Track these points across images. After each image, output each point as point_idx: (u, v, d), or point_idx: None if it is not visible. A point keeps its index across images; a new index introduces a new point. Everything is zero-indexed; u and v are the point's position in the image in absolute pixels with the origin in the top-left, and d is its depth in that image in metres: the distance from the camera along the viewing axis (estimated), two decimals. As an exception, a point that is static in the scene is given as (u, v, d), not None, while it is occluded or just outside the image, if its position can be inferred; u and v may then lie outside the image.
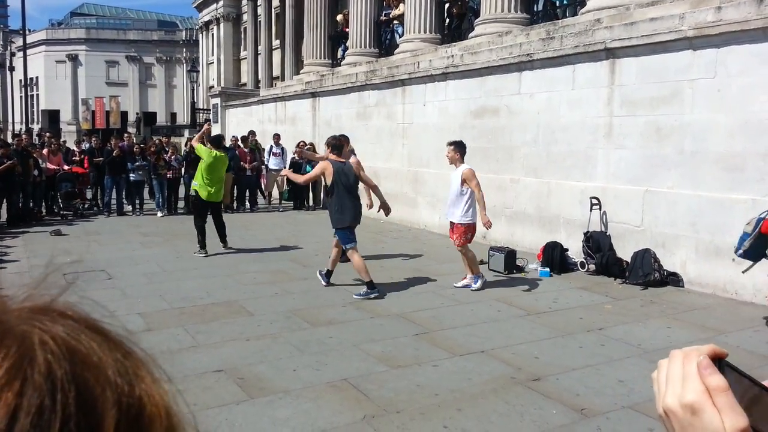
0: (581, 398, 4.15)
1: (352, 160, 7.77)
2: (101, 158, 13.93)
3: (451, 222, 7.13)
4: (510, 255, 8.16)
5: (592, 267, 7.99)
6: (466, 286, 7.15)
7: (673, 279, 7.35)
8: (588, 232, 8.18)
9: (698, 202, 7.18)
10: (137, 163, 13.82)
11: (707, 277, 7.09)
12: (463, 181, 6.87)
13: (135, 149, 14.38)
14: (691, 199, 7.26)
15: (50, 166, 13.52)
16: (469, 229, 7.05)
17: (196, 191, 9.30)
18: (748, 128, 6.69)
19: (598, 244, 8.04)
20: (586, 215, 8.30)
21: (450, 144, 7.18)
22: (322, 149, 15.52)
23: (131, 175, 13.85)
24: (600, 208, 8.28)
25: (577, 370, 4.68)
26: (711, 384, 0.57)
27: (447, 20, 13.90)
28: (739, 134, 6.78)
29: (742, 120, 6.74)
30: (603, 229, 8.25)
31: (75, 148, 15.87)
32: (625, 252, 7.84)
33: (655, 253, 7.44)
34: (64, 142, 20.04)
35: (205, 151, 9.18)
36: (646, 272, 7.33)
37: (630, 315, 6.18)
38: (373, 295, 6.67)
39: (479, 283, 7.05)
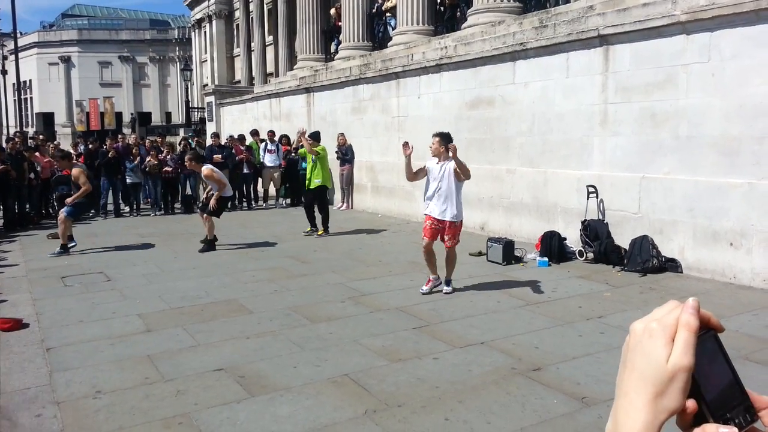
0: (582, 387, 4.15)
1: None
2: (97, 160, 13.90)
3: (437, 220, 6.40)
4: (508, 245, 8.15)
5: (591, 255, 7.99)
6: (436, 289, 6.64)
7: (671, 265, 7.35)
8: (585, 220, 8.18)
9: (695, 187, 7.17)
10: (134, 164, 13.79)
11: (705, 262, 7.10)
12: (456, 172, 6.32)
13: (148, 144, 14.62)
14: (687, 184, 7.26)
15: (44, 162, 13.47)
16: (461, 227, 6.63)
17: (323, 185, 10.38)
18: (743, 112, 6.68)
19: (595, 232, 8.04)
20: (583, 204, 8.30)
21: (435, 135, 6.56)
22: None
23: (127, 176, 13.83)
24: (597, 196, 8.27)
25: (578, 358, 4.68)
26: (683, 319, 0.56)
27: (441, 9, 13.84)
28: (734, 118, 6.77)
29: (737, 103, 6.73)
30: (600, 217, 8.25)
31: (72, 151, 15.79)
32: (623, 239, 7.84)
33: (653, 240, 7.45)
34: (58, 143, 19.94)
35: (321, 148, 10.43)
36: (645, 259, 7.33)
37: (629, 302, 6.18)
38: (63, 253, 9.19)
39: (451, 287, 6.63)
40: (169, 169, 13.96)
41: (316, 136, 10.82)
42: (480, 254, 8.52)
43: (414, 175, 6.59)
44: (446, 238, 6.46)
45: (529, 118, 9.42)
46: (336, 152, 13.84)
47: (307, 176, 10.50)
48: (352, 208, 13.95)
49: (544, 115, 9.12)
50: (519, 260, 8.17)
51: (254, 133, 16.27)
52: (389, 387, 4.20)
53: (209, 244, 9.41)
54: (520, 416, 3.75)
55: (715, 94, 6.93)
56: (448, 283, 6.64)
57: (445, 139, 6.47)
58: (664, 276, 7.18)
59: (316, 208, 10.59)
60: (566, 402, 3.93)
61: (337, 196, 14.44)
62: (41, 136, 17.46)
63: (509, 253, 8.13)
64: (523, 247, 8.41)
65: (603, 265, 7.76)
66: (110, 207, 13.85)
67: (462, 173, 6.31)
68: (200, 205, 10.14)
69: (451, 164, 6.31)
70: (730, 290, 6.57)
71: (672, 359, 0.55)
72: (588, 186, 8.25)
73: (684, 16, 7.08)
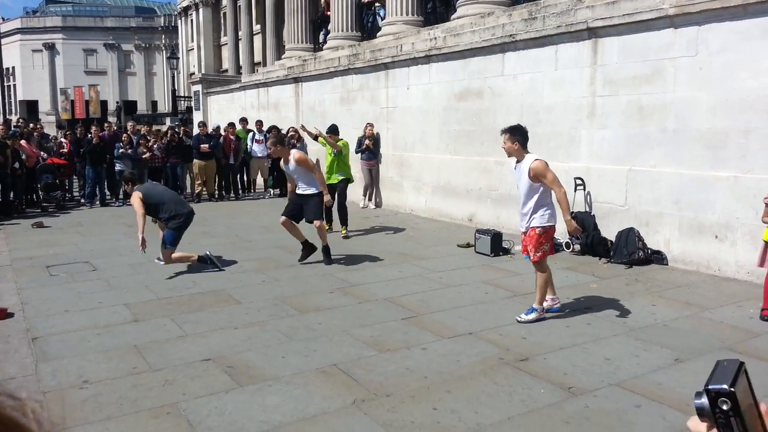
0: (569, 377, 4.19)
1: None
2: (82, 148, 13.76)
3: (522, 233, 5.51)
4: (496, 237, 8.18)
5: (577, 247, 8.04)
6: (549, 310, 5.51)
7: (657, 257, 7.42)
8: (572, 212, 8.20)
9: (681, 180, 7.24)
10: (121, 151, 13.63)
11: (690, 254, 7.17)
12: (534, 176, 5.24)
13: (144, 130, 14.89)
14: (673, 177, 7.32)
15: (28, 148, 13.29)
16: (545, 236, 5.36)
17: (347, 178, 9.93)
18: (729, 105, 6.74)
19: (582, 224, 8.07)
20: (570, 196, 8.32)
21: (504, 132, 5.39)
22: (306, 134, 15.48)
23: (116, 163, 13.67)
24: (584, 189, 8.32)
25: (565, 349, 4.72)
26: None
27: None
28: (720, 111, 6.83)
29: (724, 97, 6.78)
30: (587, 209, 8.30)
31: (63, 140, 15.53)
32: (609, 231, 7.90)
33: (639, 232, 7.51)
34: (41, 127, 19.63)
35: (344, 144, 9.93)
36: (631, 251, 7.40)
37: (615, 294, 6.24)
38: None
39: (532, 315, 5.36)
40: (154, 155, 13.87)
41: (334, 129, 10.01)
42: (468, 246, 8.55)
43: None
44: (529, 249, 5.39)
45: (517, 109, 9.43)
46: (364, 145, 12.22)
47: (326, 171, 9.68)
48: (381, 206, 12.78)
49: (533, 107, 9.14)
50: (507, 252, 8.21)
51: (243, 120, 16.10)
52: (378, 377, 4.21)
53: (327, 253, 7.72)
54: (507, 406, 3.78)
55: (702, 88, 6.98)
56: (530, 310, 5.40)
57: (515, 133, 5.33)
58: (650, 268, 7.25)
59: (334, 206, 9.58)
60: (553, 391, 3.97)
61: (358, 192, 12.75)
62: (30, 124, 17.11)
63: (497, 244, 8.16)
64: (511, 239, 8.44)
65: (589, 257, 7.82)
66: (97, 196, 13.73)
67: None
68: (292, 214, 7.82)
69: (526, 164, 5.28)
70: (715, 282, 6.65)
71: None
72: (575, 178, 8.29)
73: (672, 9, 7.12)
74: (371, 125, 12.33)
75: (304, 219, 7.75)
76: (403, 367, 4.39)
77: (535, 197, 5.29)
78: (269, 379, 4.20)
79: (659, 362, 4.44)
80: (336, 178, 9.78)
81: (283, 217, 7.79)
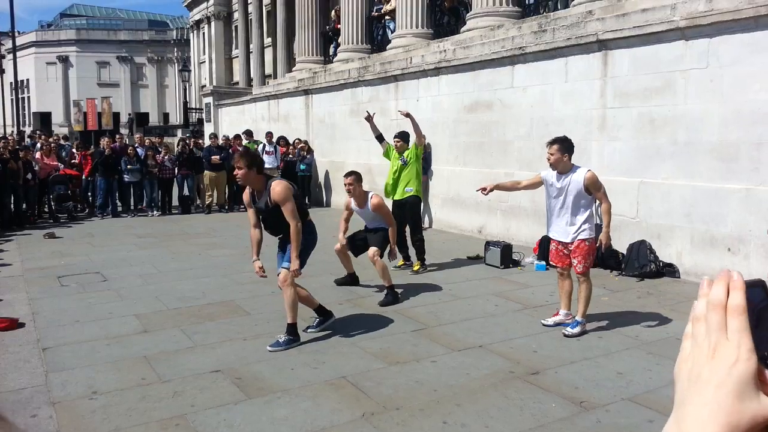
0: (580, 391, 4.15)
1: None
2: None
3: (561, 242, 5.46)
4: (506, 249, 8.15)
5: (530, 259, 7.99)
6: (560, 324, 5.49)
7: (669, 270, 7.36)
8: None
9: (692, 193, 7.19)
10: (130, 165, 13.72)
11: (703, 267, 7.11)
12: (587, 187, 5.29)
13: (149, 142, 14.86)
14: (685, 189, 7.27)
15: (48, 162, 13.41)
16: (593, 247, 5.45)
17: (416, 195, 8.04)
18: (741, 117, 6.70)
19: (593, 236, 8.05)
20: (581, 208, 8.29)
21: (552, 143, 5.30)
22: (316, 146, 15.53)
23: (125, 176, 13.77)
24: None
25: (576, 363, 4.67)
26: (730, 301, 0.57)
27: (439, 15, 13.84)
28: (732, 124, 6.79)
29: (735, 109, 6.74)
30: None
31: (75, 150, 15.66)
32: (620, 244, 7.84)
33: (651, 245, 7.46)
34: (57, 137, 19.82)
35: (415, 147, 8.13)
36: (642, 264, 7.34)
37: (627, 307, 6.19)
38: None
39: (578, 329, 5.29)
40: (164, 166, 13.96)
41: (404, 136, 8.27)
42: (478, 257, 8.52)
43: (525, 186, 5.73)
44: (575, 261, 5.40)
45: (527, 122, 9.43)
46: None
47: (388, 181, 8.12)
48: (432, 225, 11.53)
49: (543, 120, 9.13)
50: (517, 264, 8.17)
51: (248, 133, 16.17)
52: (387, 390, 4.19)
53: (394, 295, 6.46)
54: (518, 420, 3.74)
55: (713, 100, 6.95)
56: (575, 324, 5.34)
57: (565, 144, 5.29)
58: (662, 281, 7.18)
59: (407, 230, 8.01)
60: (564, 406, 3.92)
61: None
62: (42, 135, 17.28)
63: (507, 256, 8.12)
64: (521, 251, 8.41)
65: (600, 270, 7.75)
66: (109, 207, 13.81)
67: None
68: (354, 244, 6.99)
69: (578, 176, 5.28)
70: (728, 296, 6.57)
71: (721, 354, 0.55)
72: (586, 190, 8.24)
73: (683, 22, 7.10)
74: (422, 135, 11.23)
75: (366, 252, 6.72)
76: (413, 379, 4.36)
77: (586, 209, 5.35)
78: (278, 391, 4.18)
79: (672, 376, 4.37)
80: (405, 193, 7.96)
81: (339, 244, 6.86)
